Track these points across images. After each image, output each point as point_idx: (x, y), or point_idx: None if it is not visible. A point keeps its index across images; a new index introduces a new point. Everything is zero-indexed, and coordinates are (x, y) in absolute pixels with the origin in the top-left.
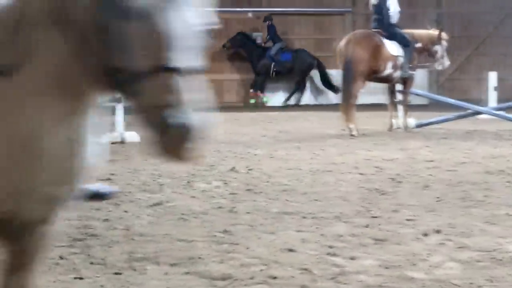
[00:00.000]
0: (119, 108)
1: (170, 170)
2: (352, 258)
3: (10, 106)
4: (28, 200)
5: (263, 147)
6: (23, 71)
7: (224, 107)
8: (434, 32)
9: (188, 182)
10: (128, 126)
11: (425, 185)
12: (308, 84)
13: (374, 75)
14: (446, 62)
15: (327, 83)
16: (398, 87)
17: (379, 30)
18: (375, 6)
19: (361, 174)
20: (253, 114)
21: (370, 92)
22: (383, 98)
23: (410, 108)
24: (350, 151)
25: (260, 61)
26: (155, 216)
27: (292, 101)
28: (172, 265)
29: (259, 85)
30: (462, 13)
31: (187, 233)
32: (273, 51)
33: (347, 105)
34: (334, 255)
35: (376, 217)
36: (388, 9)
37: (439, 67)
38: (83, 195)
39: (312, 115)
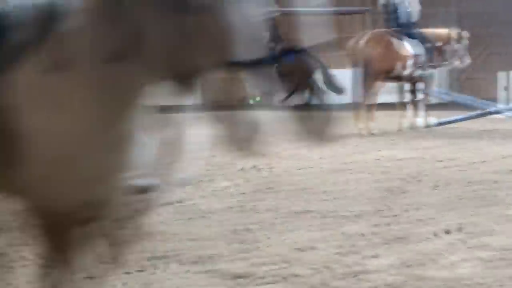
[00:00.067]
0: None
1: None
2: (363, 258)
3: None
4: (102, 190)
5: (279, 145)
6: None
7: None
8: (453, 31)
9: (208, 180)
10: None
11: (435, 185)
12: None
13: (393, 74)
14: (466, 61)
15: (330, 84)
16: (418, 86)
17: (398, 29)
18: (385, 5)
19: (371, 174)
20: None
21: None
22: (395, 97)
23: (430, 107)
24: (360, 151)
25: None
26: (176, 214)
27: (303, 101)
28: (192, 263)
29: None
30: (479, 12)
31: (207, 231)
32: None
33: (366, 104)
34: (344, 255)
35: (386, 217)
36: (407, 8)
37: (459, 66)
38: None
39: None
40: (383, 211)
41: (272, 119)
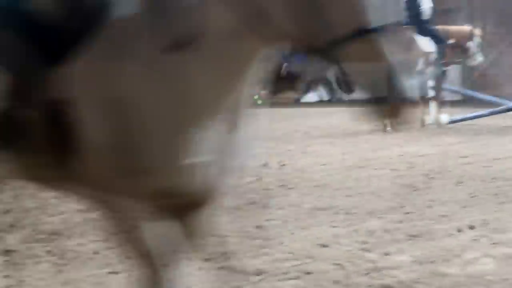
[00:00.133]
0: None
1: None
2: (386, 254)
3: (184, 77)
4: (188, 176)
5: (296, 142)
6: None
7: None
8: (466, 28)
9: None
10: None
11: (459, 181)
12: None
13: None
14: (479, 58)
15: (342, 82)
16: (430, 83)
17: (410, 26)
18: None
19: (394, 170)
20: (285, 109)
21: None
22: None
23: (443, 104)
24: (383, 147)
25: None
26: None
27: (325, 97)
28: (205, 260)
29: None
30: (494, 8)
31: (230, 227)
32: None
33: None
34: (367, 250)
35: (409, 213)
36: (419, 5)
37: (472, 63)
38: None
39: (343, 110)
40: (406, 207)
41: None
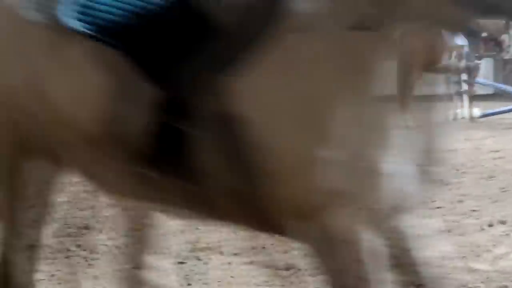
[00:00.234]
0: None
1: None
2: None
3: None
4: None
5: None
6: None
7: None
8: (500, 21)
9: None
10: None
11: (490, 175)
12: None
13: (437, 65)
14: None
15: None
16: (463, 77)
17: None
18: None
19: None
20: None
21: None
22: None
23: (475, 98)
24: None
25: None
26: None
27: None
28: (235, 254)
29: None
30: None
31: None
32: None
33: (404, 96)
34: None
35: (439, 207)
36: None
37: (506, 57)
38: None
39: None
40: (437, 201)
41: None
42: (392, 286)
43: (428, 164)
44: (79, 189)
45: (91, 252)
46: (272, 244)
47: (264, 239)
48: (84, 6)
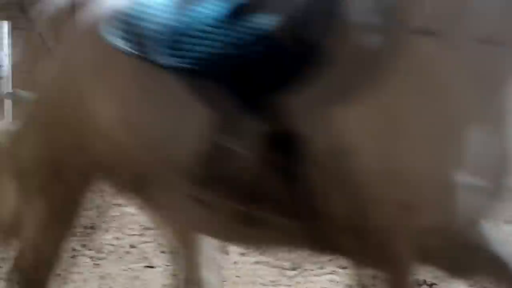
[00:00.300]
0: None
1: None
2: None
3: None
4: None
5: None
6: None
7: None
8: None
9: None
10: None
11: None
12: None
13: None
14: None
15: None
16: None
17: None
18: None
19: None
20: None
21: None
22: None
23: None
24: None
25: None
26: None
27: None
28: (241, 254)
29: None
30: None
31: None
32: None
33: None
34: None
35: None
36: None
37: None
38: None
39: None
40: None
41: None
42: None
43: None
44: None
45: (98, 251)
46: None
47: None
48: (175, 41)
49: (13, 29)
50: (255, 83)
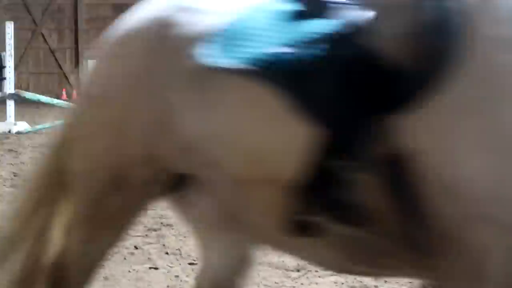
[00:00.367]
0: None
1: None
2: None
3: None
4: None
5: None
6: None
7: None
8: None
9: None
10: None
11: None
12: None
13: None
14: None
15: None
16: None
17: None
18: None
19: None
20: None
21: None
22: None
23: None
24: None
25: None
26: None
27: None
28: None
29: None
30: None
31: None
32: None
33: None
34: None
35: None
36: None
37: None
38: None
39: None
40: None
41: None
42: None
43: None
44: None
45: None
46: None
47: None
48: (278, 55)
49: (17, 30)
50: (372, 100)
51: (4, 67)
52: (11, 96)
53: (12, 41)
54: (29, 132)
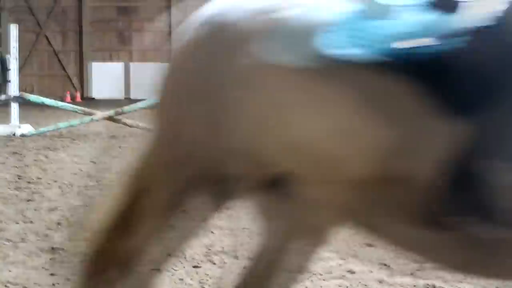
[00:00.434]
0: None
1: None
2: None
3: None
4: None
5: None
6: None
7: None
8: None
9: None
10: None
11: None
12: None
13: None
14: None
15: None
16: None
17: None
18: None
19: None
20: None
21: None
22: None
23: None
24: None
25: None
26: (233, 209)
27: None
28: (249, 258)
29: None
30: None
31: None
32: None
33: None
34: None
35: None
36: None
37: None
38: None
39: None
40: None
41: None
42: None
43: None
44: (95, 193)
45: None
46: None
47: None
48: (355, 29)
49: (21, 33)
50: (459, 83)
51: (9, 69)
52: (15, 98)
53: (16, 44)
54: (33, 134)
